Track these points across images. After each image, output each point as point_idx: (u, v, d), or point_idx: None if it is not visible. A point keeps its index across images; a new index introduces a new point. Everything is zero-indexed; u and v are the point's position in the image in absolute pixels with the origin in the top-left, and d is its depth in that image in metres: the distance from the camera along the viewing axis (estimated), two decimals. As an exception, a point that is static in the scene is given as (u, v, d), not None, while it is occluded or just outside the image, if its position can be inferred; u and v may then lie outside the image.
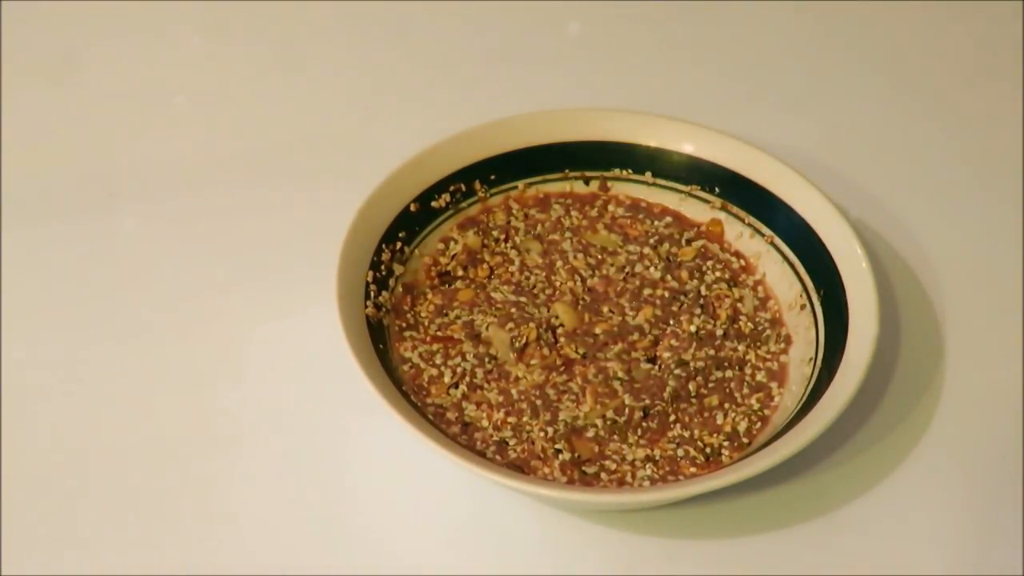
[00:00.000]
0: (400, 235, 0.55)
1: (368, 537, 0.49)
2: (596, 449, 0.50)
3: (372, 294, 0.53)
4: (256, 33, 0.73)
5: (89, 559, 0.48)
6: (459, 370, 0.52)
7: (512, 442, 0.50)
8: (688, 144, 0.58)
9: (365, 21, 0.74)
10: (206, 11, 0.74)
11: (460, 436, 0.50)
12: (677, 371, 0.52)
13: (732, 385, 0.53)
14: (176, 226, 0.61)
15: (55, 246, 0.60)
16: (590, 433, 0.50)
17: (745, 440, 0.50)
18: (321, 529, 0.49)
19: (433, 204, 0.57)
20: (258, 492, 0.50)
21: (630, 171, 0.59)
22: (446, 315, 0.54)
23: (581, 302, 0.55)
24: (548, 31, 0.74)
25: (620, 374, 0.52)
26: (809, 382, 0.51)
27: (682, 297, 0.55)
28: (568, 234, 0.58)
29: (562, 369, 0.52)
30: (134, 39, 0.73)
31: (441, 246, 0.57)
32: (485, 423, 0.51)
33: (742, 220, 0.58)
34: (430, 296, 0.55)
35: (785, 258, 0.56)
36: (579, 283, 0.56)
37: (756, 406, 0.52)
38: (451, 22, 0.74)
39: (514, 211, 0.59)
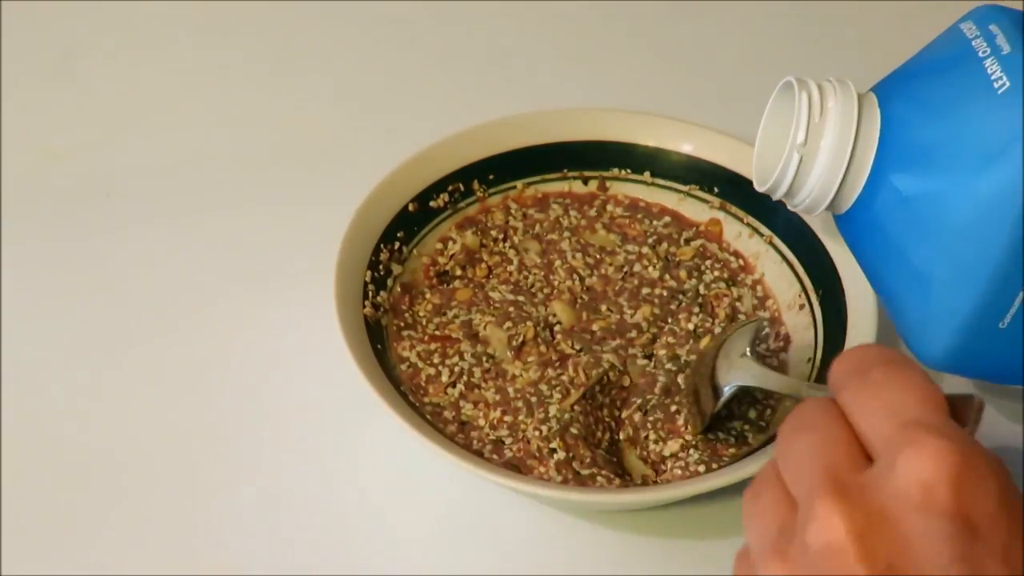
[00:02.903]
0: (398, 235, 0.55)
1: (365, 536, 0.49)
2: (593, 448, 0.50)
3: (370, 294, 0.53)
4: (255, 33, 0.73)
5: (89, 559, 0.48)
6: (457, 369, 0.52)
7: (508, 441, 0.50)
8: (687, 144, 0.58)
9: (364, 20, 0.73)
10: (205, 11, 0.74)
11: (457, 435, 0.50)
12: (669, 365, 0.52)
13: (730, 385, 0.52)
14: (174, 226, 0.61)
15: (54, 246, 0.60)
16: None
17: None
18: (317, 529, 0.49)
19: (431, 204, 0.57)
20: (255, 492, 0.50)
21: (629, 171, 0.59)
22: (444, 315, 0.54)
23: (579, 301, 0.55)
24: (547, 31, 0.74)
25: (616, 366, 0.52)
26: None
27: (680, 296, 0.55)
28: (567, 234, 0.58)
29: (557, 364, 0.52)
30: (133, 39, 0.72)
31: (439, 246, 0.57)
32: (482, 422, 0.50)
33: (741, 220, 0.58)
34: (428, 296, 0.55)
35: (784, 258, 0.56)
36: (577, 282, 0.56)
37: (754, 406, 0.52)
38: (451, 21, 0.74)
39: (512, 211, 0.58)
